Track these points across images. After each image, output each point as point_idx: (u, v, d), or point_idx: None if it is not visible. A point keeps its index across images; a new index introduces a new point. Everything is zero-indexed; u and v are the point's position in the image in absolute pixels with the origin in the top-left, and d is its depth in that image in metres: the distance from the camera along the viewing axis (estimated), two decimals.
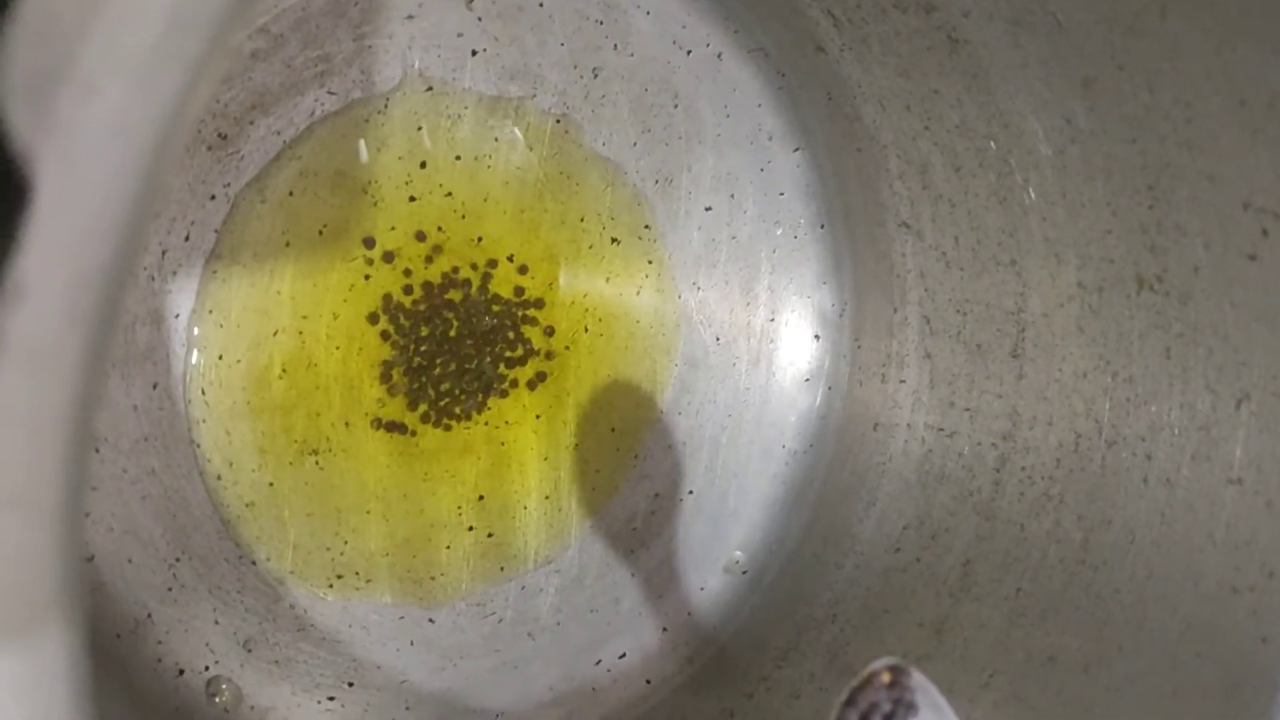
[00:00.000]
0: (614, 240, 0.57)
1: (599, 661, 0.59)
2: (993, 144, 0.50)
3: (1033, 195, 0.49)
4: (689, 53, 0.56)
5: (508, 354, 0.55)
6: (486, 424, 0.55)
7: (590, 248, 0.56)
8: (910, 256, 0.57)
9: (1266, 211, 0.40)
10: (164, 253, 0.48)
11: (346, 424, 0.52)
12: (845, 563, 0.59)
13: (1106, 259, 0.47)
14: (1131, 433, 0.47)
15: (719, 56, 0.57)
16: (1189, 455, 0.45)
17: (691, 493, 0.60)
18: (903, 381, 0.58)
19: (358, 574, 0.53)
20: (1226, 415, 0.43)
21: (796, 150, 0.59)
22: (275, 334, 0.50)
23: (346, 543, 0.53)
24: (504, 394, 0.55)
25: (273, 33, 0.48)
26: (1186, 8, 0.39)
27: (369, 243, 0.52)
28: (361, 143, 0.51)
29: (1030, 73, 0.46)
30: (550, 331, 0.56)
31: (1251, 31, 0.38)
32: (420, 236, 0.53)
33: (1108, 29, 0.42)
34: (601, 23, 0.54)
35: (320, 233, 0.51)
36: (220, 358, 0.49)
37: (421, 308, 0.53)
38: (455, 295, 0.53)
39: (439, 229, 0.53)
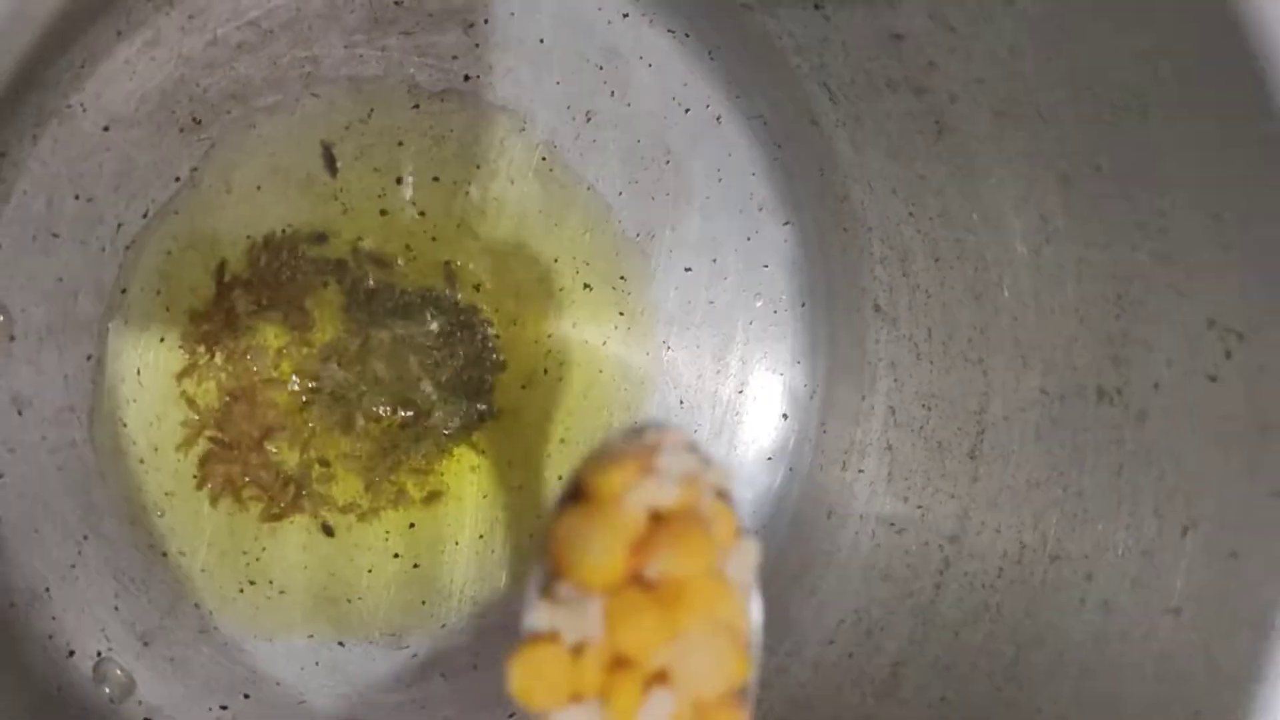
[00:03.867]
0: (586, 286, 0.56)
1: (513, 715, 0.57)
2: (972, 236, 0.49)
3: (1006, 294, 0.48)
4: (687, 111, 0.56)
5: (459, 384, 0.54)
6: (427, 452, 0.54)
7: (561, 290, 0.56)
8: (883, 344, 0.55)
9: (1231, 331, 0.39)
10: (119, 226, 0.47)
11: (284, 425, 0.51)
12: (778, 649, 0.56)
13: (1070, 366, 0.46)
14: (1076, 550, 0.45)
15: (718, 119, 0.56)
16: (1129, 580, 0.43)
17: None
18: (861, 471, 0.57)
19: (271, 583, 0.52)
20: (1171, 542, 0.41)
21: (786, 224, 0.58)
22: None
23: (265, 549, 0.52)
24: (450, 424, 0.54)
25: (263, 28, 0.48)
26: (1168, 110, 0.38)
27: (320, 238, 0.51)
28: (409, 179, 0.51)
29: (1013, 167, 0.45)
30: (506, 368, 0.55)
31: (1233, 141, 0.37)
32: (385, 253, 0.52)
33: (1089, 126, 0.41)
34: (601, 68, 0.54)
35: (283, 232, 0.50)
36: (162, 340, 0.49)
37: (373, 324, 0.52)
38: (413, 316, 0.53)
39: (407, 247, 0.53)
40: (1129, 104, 0.39)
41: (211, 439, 0.50)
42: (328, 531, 0.52)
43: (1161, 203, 0.40)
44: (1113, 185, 0.41)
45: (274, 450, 0.51)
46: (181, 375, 0.50)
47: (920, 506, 0.53)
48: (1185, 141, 0.38)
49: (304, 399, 0.52)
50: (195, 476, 0.50)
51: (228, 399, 0.50)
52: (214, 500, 0.50)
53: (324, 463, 0.52)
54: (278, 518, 0.52)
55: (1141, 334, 0.42)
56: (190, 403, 0.50)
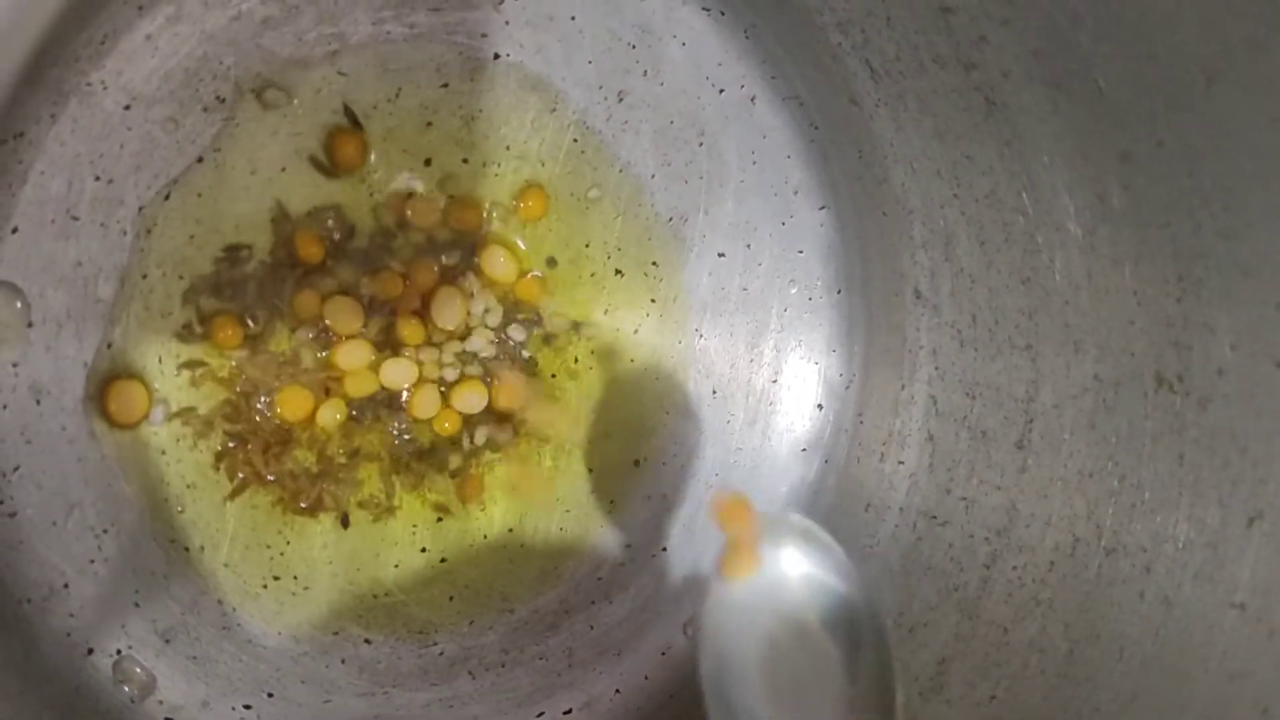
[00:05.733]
0: (618, 272, 0.54)
1: (541, 714, 0.55)
2: (1021, 218, 0.47)
3: (1057, 277, 0.46)
4: (721, 91, 0.54)
5: (487, 375, 0.52)
6: (454, 443, 0.52)
7: (592, 275, 0.54)
8: (924, 331, 0.54)
9: None
10: (140, 209, 0.46)
11: (308, 418, 0.50)
12: None
13: (1127, 352, 0.44)
14: (1133, 542, 0.43)
15: (752, 100, 0.55)
16: (1191, 573, 0.41)
17: (665, 549, 0.57)
18: (901, 463, 0.55)
19: (296, 578, 0.51)
20: (1236, 533, 0.40)
21: (822, 208, 0.57)
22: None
23: (289, 543, 0.50)
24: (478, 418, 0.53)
25: (288, 2, 0.46)
26: (1234, 79, 0.37)
27: (346, 222, 0.50)
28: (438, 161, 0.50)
29: (1067, 143, 0.44)
30: (535, 358, 0.53)
31: None
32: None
33: (1150, 99, 0.39)
34: (634, 46, 0.52)
35: (308, 215, 0.49)
36: (184, 327, 0.47)
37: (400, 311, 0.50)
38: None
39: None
40: (1195, 75, 0.38)
41: (231, 431, 0.49)
42: (345, 523, 0.51)
43: (1228, 178, 0.38)
44: (1176, 161, 0.40)
45: (297, 443, 0.50)
46: (202, 364, 0.48)
47: (964, 498, 0.51)
48: (1255, 112, 0.37)
49: (328, 391, 0.50)
50: (217, 469, 0.49)
51: (249, 389, 0.48)
52: (234, 494, 0.49)
53: (351, 454, 0.50)
54: (300, 512, 0.50)
55: (1204, 317, 0.40)
56: (211, 392, 0.48)
